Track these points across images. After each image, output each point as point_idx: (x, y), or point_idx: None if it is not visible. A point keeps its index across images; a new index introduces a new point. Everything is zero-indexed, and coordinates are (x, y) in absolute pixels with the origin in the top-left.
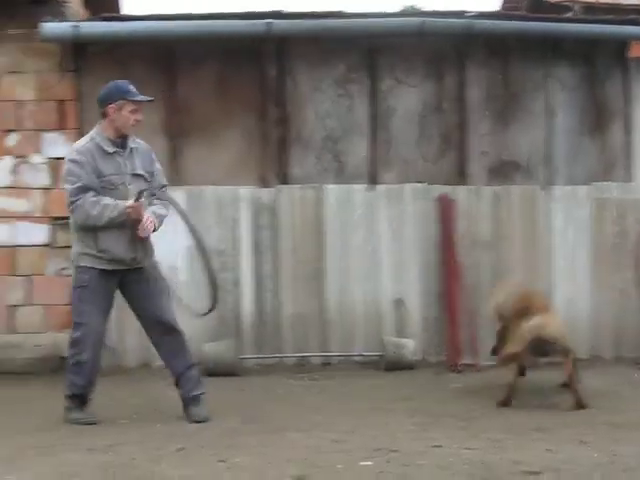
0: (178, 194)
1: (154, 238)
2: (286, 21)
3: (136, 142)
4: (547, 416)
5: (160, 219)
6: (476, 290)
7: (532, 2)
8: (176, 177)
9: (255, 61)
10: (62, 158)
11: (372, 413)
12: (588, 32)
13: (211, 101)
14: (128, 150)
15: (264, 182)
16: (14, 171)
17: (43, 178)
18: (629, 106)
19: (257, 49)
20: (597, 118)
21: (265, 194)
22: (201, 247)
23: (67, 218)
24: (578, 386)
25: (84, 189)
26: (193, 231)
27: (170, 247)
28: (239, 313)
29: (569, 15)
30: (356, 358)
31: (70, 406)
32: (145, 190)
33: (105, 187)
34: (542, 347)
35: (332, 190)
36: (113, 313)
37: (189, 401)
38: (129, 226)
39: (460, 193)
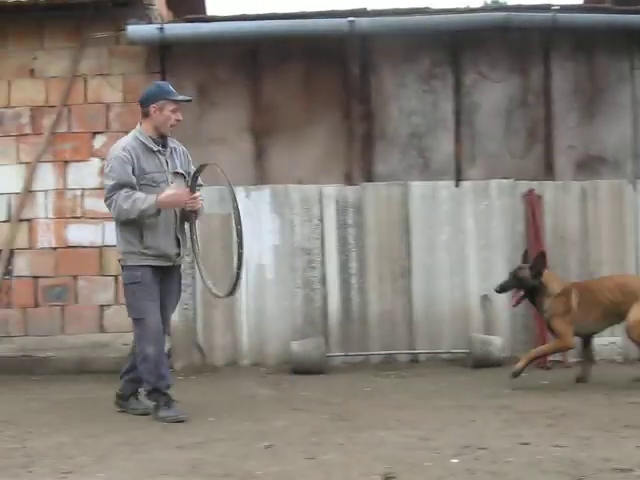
0: (263, 193)
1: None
2: (369, 19)
3: (175, 142)
4: (637, 413)
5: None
6: None
7: None
8: (261, 176)
9: (339, 59)
10: None
11: (459, 410)
12: None
13: (295, 100)
14: (169, 150)
15: (349, 180)
16: (101, 172)
17: None
18: None
19: (340, 47)
20: None
21: (350, 192)
22: (239, 230)
23: None
24: None
25: (120, 186)
26: (236, 209)
27: (257, 246)
28: (326, 311)
29: None
30: (443, 355)
31: (156, 404)
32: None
33: (147, 184)
34: None
35: (417, 187)
36: (200, 312)
37: (129, 397)
38: (172, 220)
39: (547, 188)
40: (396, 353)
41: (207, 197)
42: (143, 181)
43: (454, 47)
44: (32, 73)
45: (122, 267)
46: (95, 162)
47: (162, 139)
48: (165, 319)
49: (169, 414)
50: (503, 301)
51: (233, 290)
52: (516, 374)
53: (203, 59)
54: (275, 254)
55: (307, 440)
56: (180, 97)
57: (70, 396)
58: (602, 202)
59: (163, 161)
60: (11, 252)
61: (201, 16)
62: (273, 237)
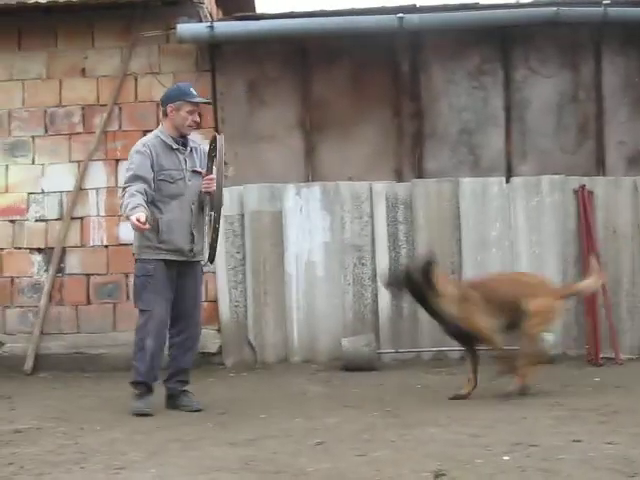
0: (314, 190)
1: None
2: (418, 15)
3: (196, 143)
4: None
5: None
6: (616, 282)
7: None
8: (311, 173)
9: (388, 56)
10: None
11: (510, 407)
12: None
13: (345, 97)
14: (189, 149)
15: (399, 177)
16: None
17: None
18: None
19: (390, 44)
20: None
21: (401, 189)
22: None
23: None
24: None
25: (137, 177)
26: (220, 174)
27: (308, 243)
28: (376, 308)
29: None
30: (494, 352)
31: (135, 393)
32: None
33: (165, 180)
34: None
35: (468, 183)
36: (251, 309)
37: (179, 394)
38: (188, 217)
39: (598, 184)
40: (447, 350)
41: (257, 195)
42: (161, 177)
43: (504, 43)
44: (83, 72)
45: (136, 260)
46: None
47: (182, 138)
48: (183, 314)
49: (138, 405)
50: None
51: (211, 258)
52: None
53: (252, 57)
54: (325, 251)
55: (358, 437)
56: (197, 99)
57: (122, 393)
58: None
59: (182, 159)
60: (63, 250)
61: (250, 14)
62: (323, 234)
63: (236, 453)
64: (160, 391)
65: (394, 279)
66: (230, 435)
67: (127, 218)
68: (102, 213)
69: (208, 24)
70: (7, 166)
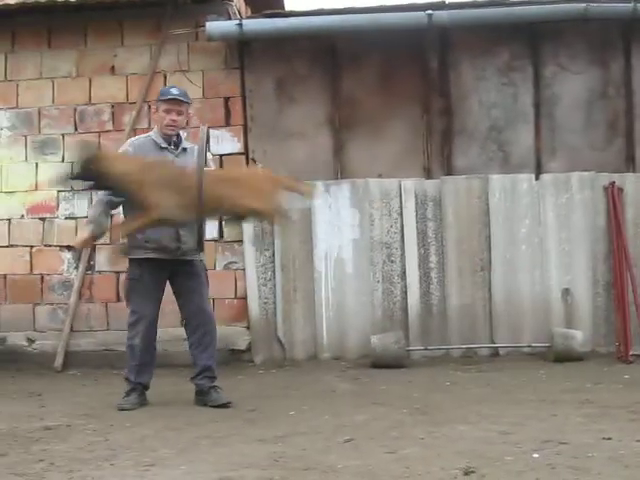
0: (343, 187)
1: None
2: (448, 11)
3: (190, 145)
4: None
5: None
6: None
7: None
8: (340, 170)
9: (417, 52)
10: (229, 154)
11: (540, 405)
12: None
13: (374, 94)
14: (180, 149)
15: (428, 174)
16: None
17: None
18: None
19: (419, 40)
20: None
21: (430, 185)
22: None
23: None
24: None
25: None
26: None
27: (337, 240)
28: (405, 305)
29: None
30: (524, 349)
31: (124, 389)
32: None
33: None
34: None
35: (497, 180)
36: (280, 306)
37: (208, 390)
38: None
39: (628, 181)
40: (476, 347)
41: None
42: None
43: (533, 39)
44: (113, 70)
45: (128, 260)
46: None
47: (173, 138)
48: (194, 313)
49: (121, 402)
50: (585, 295)
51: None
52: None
53: (281, 54)
54: (354, 248)
55: (387, 434)
56: (167, 96)
57: (152, 390)
58: None
59: (171, 159)
60: (93, 247)
61: (279, 11)
62: (352, 231)
63: (265, 450)
64: (185, 388)
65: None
66: (259, 432)
67: None
68: None
69: (237, 22)
70: (37, 164)
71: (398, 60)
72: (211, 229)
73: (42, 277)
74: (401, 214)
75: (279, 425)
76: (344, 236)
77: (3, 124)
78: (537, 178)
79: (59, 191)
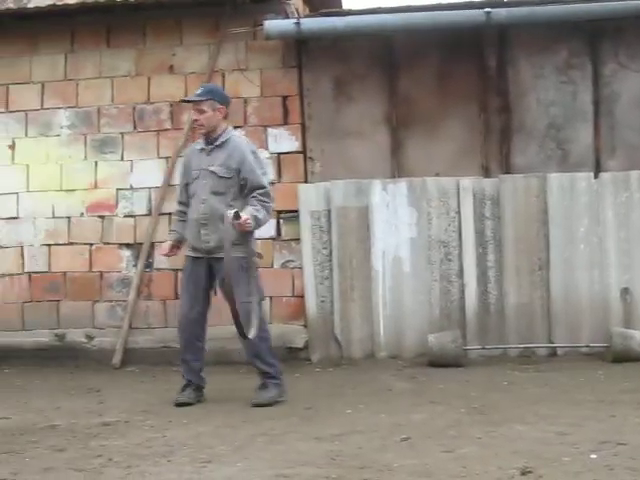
0: (400, 186)
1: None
2: (506, 9)
3: (230, 140)
4: None
5: (257, 221)
6: None
7: None
8: (398, 169)
9: (475, 51)
10: (287, 153)
11: (598, 405)
12: None
13: (432, 93)
14: (212, 147)
15: (486, 172)
16: None
17: (268, 173)
18: None
19: (477, 39)
20: None
21: (488, 184)
22: None
23: (292, 212)
24: None
25: (179, 185)
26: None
27: (394, 239)
28: (463, 304)
29: None
30: (582, 349)
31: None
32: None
33: (189, 182)
34: None
35: (555, 179)
36: (337, 305)
37: (260, 387)
38: (195, 216)
39: None
40: (534, 347)
41: (343, 190)
42: (189, 177)
43: (592, 37)
44: (171, 69)
45: None
46: None
47: (210, 137)
48: (233, 310)
49: (176, 396)
50: None
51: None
52: None
53: (339, 53)
54: (412, 247)
55: (444, 433)
56: (186, 98)
57: (209, 387)
58: None
59: (203, 158)
60: (151, 245)
61: (337, 10)
62: (410, 230)
63: (322, 448)
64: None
65: None
66: (316, 430)
67: None
68: None
69: (295, 20)
70: (96, 162)
71: (456, 58)
72: (269, 228)
73: (101, 274)
74: (459, 213)
75: (335, 423)
76: (401, 235)
77: (63, 123)
78: (596, 177)
79: (118, 189)
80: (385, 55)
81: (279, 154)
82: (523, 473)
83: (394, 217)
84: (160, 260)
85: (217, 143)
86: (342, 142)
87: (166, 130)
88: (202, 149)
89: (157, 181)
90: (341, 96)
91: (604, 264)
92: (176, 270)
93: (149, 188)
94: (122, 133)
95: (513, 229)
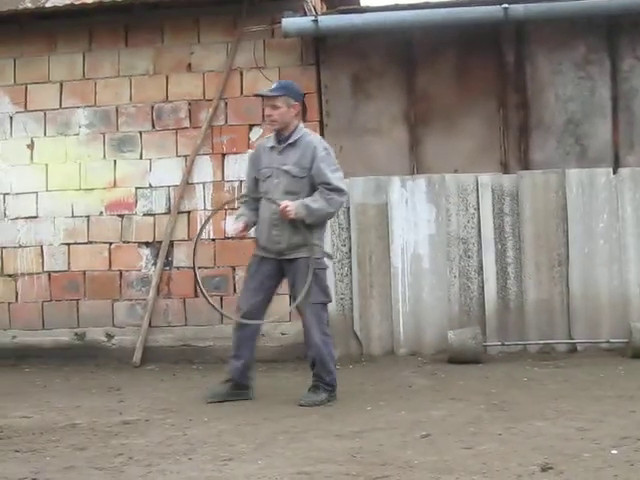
0: (419, 182)
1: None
2: (524, 5)
3: (302, 138)
4: None
5: (308, 210)
6: None
7: None
8: (417, 166)
9: (493, 47)
10: None
11: (618, 401)
12: None
13: (450, 89)
14: (284, 145)
15: (505, 168)
16: None
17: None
18: None
19: (495, 34)
20: None
21: (506, 180)
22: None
23: None
24: None
25: (247, 179)
26: None
27: (413, 235)
28: (482, 300)
29: None
30: (602, 345)
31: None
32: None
33: (260, 179)
34: None
35: (574, 174)
36: (356, 302)
37: (310, 387)
38: (266, 216)
39: None
40: (554, 343)
41: (362, 187)
42: (259, 176)
43: (610, 32)
44: (189, 68)
45: None
46: None
47: (283, 135)
48: (300, 310)
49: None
50: None
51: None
52: None
53: (357, 50)
54: (431, 243)
55: (464, 430)
56: (258, 92)
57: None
58: None
59: (274, 157)
60: (171, 244)
61: (355, 7)
62: (429, 226)
63: (342, 445)
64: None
65: None
66: (336, 427)
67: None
68: (209, 207)
69: (313, 18)
70: (115, 161)
71: (473, 54)
72: None
73: (121, 273)
74: (478, 209)
75: (356, 420)
76: (420, 231)
77: (81, 122)
78: (615, 172)
79: (137, 188)
80: (403, 52)
81: None
82: (543, 469)
83: (413, 214)
84: (179, 259)
85: (290, 141)
86: (360, 139)
87: (185, 129)
88: (273, 147)
89: (176, 180)
90: (359, 93)
91: (623, 260)
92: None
93: (168, 187)
94: (141, 132)
95: (532, 225)
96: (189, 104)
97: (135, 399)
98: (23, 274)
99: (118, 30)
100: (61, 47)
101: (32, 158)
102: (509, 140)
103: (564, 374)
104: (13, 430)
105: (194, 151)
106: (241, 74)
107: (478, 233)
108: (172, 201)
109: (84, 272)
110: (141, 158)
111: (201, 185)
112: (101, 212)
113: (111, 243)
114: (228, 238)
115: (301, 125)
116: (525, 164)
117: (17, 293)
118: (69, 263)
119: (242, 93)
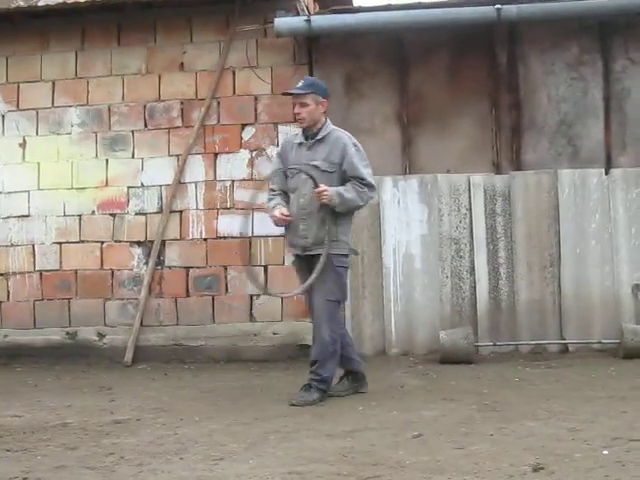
0: (411, 182)
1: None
2: (516, 6)
3: (330, 134)
4: None
5: (341, 198)
6: None
7: None
8: (409, 166)
9: (486, 47)
10: None
11: (610, 402)
12: None
13: (443, 89)
14: (313, 141)
15: (497, 169)
16: (250, 164)
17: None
18: None
19: (487, 35)
20: None
21: (499, 181)
22: None
23: None
24: None
25: (271, 175)
26: None
27: (406, 235)
28: (474, 300)
29: None
30: (594, 345)
31: None
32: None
33: (288, 175)
34: None
35: (567, 175)
36: (348, 302)
37: (305, 385)
38: (296, 213)
39: None
40: (545, 343)
41: None
42: (288, 172)
43: (603, 33)
44: (182, 67)
45: None
46: (244, 153)
47: (311, 131)
48: (311, 307)
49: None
50: None
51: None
52: None
53: (350, 50)
54: (423, 244)
55: (456, 430)
56: (288, 91)
57: (221, 384)
58: None
59: (303, 153)
60: (162, 243)
61: (347, 7)
62: (421, 227)
63: (334, 445)
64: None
65: None
66: (328, 427)
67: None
68: (201, 206)
69: (305, 18)
70: (107, 160)
71: (466, 55)
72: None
73: (112, 272)
74: (470, 209)
75: (347, 420)
76: (413, 231)
77: (73, 121)
78: (607, 173)
79: (129, 187)
80: (396, 52)
81: None
82: (535, 469)
83: (405, 214)
84: (171, 258)
85: (318, 137)
86: None
87: (177, 128)
88: (301, 143)
89: (168, 179)
90: (352, 93)
91: (615, 260)
92: (187, 268)
93: (160, 186)
94: (133, 131)
95: (524, 225)
96: (181, 103)
97: (126, 398)
98: (15, 273)
99: (111, 29)
100: (53, 46)
101: (24, 157)
102: (501, 140)
103: (556, 374)
104: (4, 429)
105: (186, 150)
106: (233, 74)
107: (470, 233)
108: (164, 200)
109: (76, 271)
110: (133, 157)
111: (193, 184)
112: (93, 211)
113: (103, 242)
114: (220, 238)
115: (329, 121)
116: (517, 164)
117: (9, 292)
118: (61, 262)
119: (234, 93)
